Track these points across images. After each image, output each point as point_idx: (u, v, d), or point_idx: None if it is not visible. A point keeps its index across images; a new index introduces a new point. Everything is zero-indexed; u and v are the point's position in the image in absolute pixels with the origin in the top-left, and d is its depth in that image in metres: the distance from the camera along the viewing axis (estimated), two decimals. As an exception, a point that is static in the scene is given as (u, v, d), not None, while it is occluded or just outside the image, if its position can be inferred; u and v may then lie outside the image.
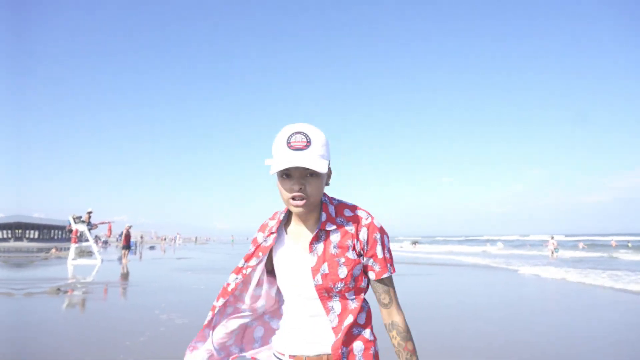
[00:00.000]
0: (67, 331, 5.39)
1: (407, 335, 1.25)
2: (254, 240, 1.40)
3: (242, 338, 1.50)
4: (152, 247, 43.84)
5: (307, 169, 1.17)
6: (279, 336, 1.34)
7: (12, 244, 46.27)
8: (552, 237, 26.19)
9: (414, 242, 48.66)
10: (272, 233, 1.34)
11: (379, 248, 1.26)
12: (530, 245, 43.93)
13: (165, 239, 65.35)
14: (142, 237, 45.27)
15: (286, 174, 1.19)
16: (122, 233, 20.17)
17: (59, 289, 8.88)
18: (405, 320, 1.27)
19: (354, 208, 1.31)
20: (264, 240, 1.36)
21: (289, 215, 1.37)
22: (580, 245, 37.54)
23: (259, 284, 1.41)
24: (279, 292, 1.49)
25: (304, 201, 1.19)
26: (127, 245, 18.97)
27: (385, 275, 1.26)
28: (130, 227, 19.97)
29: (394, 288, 1.29)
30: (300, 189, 1.18)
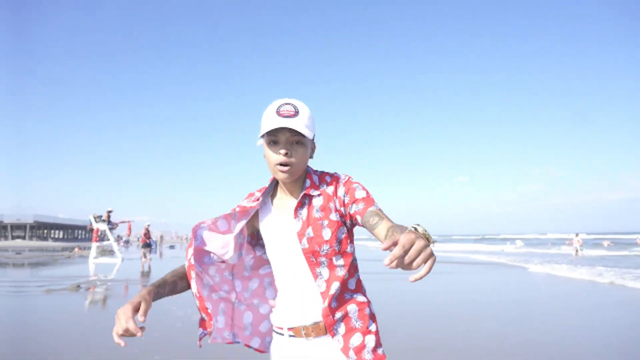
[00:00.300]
0: (83, 326, 5.49)
1: (398, 225, 1.11)
2: (239, 205, 1.42)
3: (232, 321, 1.49)
4: (171, 247, 44.56)
5: (294, 135, 1.23)
6: (275, 312, 1.36)
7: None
8: (577, 235, 25.55)
9: (432, 242, 48.05)
10: (258, 199, 1.39)
11: (359, 192, 1.27)
12: (551, 243, 43.14)
13: (186, 238, 66.18)
14: (161, 237, 45.92)
15: (273, 141, 1.24)
16: (144, 233, 20.50)
17: (78, 286, 9.07)
18: (398, 224, 1.14)
19: (334, 174, 1.37)
20: (248, 205, 1.40)
21: (274, 187, 1.41)
22: (605, 243, 36.64)
23: (238, 248, 1.40)
24: (261, 266, 1.52)
25: (289, 167, 1.23)
26: (147, 244, 19.26)
27: (371, 208, 1.22)
28: (148, 225, 20.27)
29: (384, 213, 1.20)
30: (287, 154, 1.22)
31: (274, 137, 1.23)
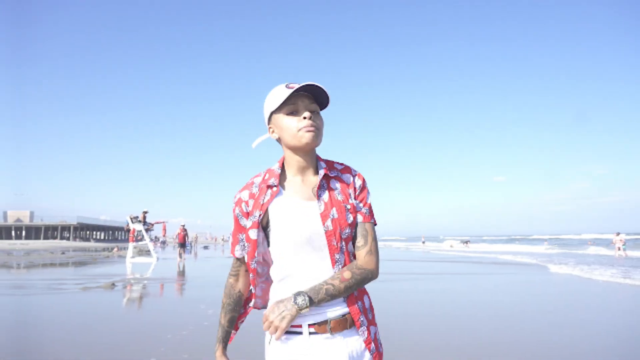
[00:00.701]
0: (113, 323, 5.59)
1: (355, 270, 1.21)
2: (239, 201, 1.29)
3: (266, 295, 1.42)
4: (205, 247, 45.51)
5: (312, 103, 1.22)
6: None
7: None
8: (618, 234, 24.29)
9: (465, 242, 47.37)
10: (271, 187, 1.27)
11: (369, 197, 1.31)
12: (591, 242, 41.52)
13: (223, 239, 67.57)
14: (196, 237, 46.98)
15: (292, 111, 1.21)
16: (177, 233, 21.02)
17: (113, 284, 9.34)
18: (372, 264, 1.23)
19: (342, 163, 1.35)
20: (263, 196, 1.26)
21: (281, 170, 1.32)
22: (653, 243, 34.80)
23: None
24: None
25: (316, 130, 1.21)
26: (182, 244, 19.72)
27: (371, 221, 1.29)
28: (183, 225, 20.74)
29: (373, 237, 1.27)
30: (311, 117, 1.20)
31: (293, 107, 1.21)
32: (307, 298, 1.13)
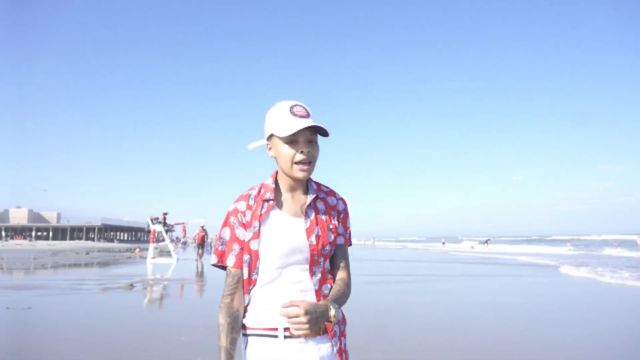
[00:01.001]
0: (127, 324, 5.71)
1: (347, 288, 1.37)
2: (234, 210, 1.35)
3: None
4: (224, 248, 45.86)
5: (312, 134, 1.29)
6: (267, 313, 1.29)
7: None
8: None
9: (485, 242, 46.64)
10: (266, 201, 1.34)
11: (349, 221, 1.46)
12: (616, 243, 40.31)
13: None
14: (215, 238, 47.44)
15: (293, 140, 1.27)
16: (196, 234, 21.33)
17: (132, 285, 9.58)
18: (350, 284, 1.40)
19: (325, 186, 1.48)
20: (260, 209, 1.33)
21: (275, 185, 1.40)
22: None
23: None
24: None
25: (309, 165, 1.29)
26: (202, 244, 20.01)
27: (347, 246, 1.45)
28: (202, 226, 21.06)
29: (348, 259, 1.44)
30: (308, 152, 1.28)
31: (293, 137, 1.26)
32: (340, 313, 1.27)
